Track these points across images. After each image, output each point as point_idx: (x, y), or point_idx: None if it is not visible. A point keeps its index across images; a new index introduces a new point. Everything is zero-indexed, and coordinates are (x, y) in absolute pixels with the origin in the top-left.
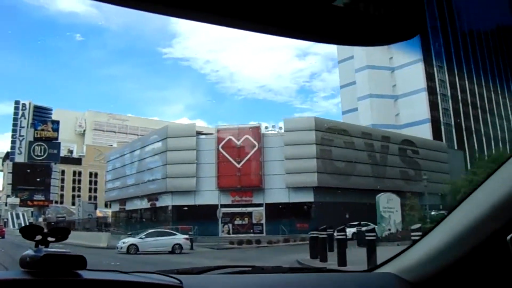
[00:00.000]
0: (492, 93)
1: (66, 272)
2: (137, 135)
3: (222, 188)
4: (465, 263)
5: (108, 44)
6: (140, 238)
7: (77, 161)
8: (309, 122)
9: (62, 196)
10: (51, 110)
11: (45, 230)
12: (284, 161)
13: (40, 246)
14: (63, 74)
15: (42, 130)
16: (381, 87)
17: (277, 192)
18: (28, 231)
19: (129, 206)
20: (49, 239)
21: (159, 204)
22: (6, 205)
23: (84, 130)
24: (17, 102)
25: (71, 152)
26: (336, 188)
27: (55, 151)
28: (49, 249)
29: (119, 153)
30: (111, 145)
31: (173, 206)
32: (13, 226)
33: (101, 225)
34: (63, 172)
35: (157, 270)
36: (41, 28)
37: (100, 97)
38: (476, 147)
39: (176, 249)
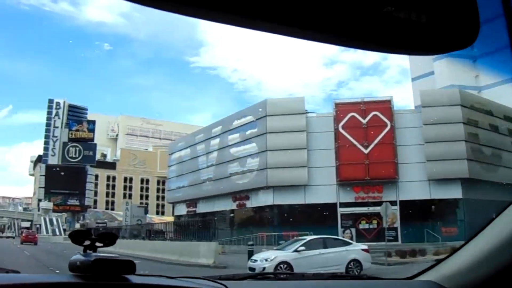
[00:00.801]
0: None
1: (116, 276)
2: (171, 140)
3: (344, 180)
4: (508, 272)
5: (135, 53)
6: (295, 251)
7: (111, 165)
8: (454, 94)
9: (95, 201)
10: (86, 110)
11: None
12: (423, 145)
13: (88, 251)
14: (92, 82)
15: (77, 130)
16: (462, 78)
17: (414, 185)
18: (76, 236)
19: (203, 208)
20: (97, 244)
21: (251, 204)
22: (38, 210)
23: (117, 135)
24: (50, 101)
25: (104, 156)
26: (488, 182)
27: (91, 153)
28: (98, 254)
29: (188, 142)
30: (147, 149)
31: (274, 206)
32: (47, 232)
33: (152, 232)
34: (96, 176)
35: (203, 276)
36: (70, 37)
37: (128, 106)
38: None
39: (352, 268)
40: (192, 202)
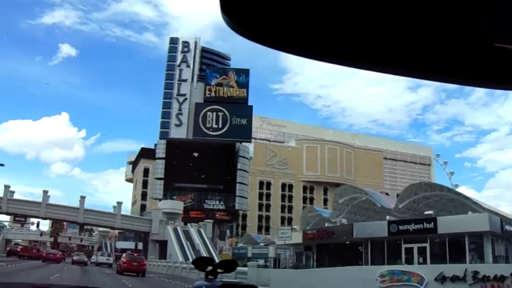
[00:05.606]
0: None
1: None
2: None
3: None
4: None
5: None
6: None
7: None
8: None
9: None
10: (228, 58)
11: (215, 262)
12: None
13: (209, 277)
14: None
15: (219, 85)
16: None
17: None
18: (199, 263)
19: None
20: (218, 270)
21: None
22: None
23: None
24: (173, 40)
25: None
26: None
27: (244, 121)
28: (223, 280)
29: None
30: (288, 145)
31: None
32: (185, 257)
33: None
34: None
35: None
36: (154, 67)
37: None
38: None
39: None
40: None
